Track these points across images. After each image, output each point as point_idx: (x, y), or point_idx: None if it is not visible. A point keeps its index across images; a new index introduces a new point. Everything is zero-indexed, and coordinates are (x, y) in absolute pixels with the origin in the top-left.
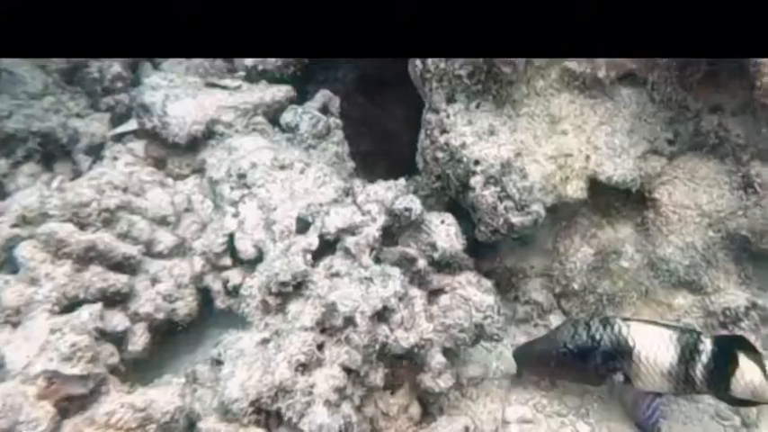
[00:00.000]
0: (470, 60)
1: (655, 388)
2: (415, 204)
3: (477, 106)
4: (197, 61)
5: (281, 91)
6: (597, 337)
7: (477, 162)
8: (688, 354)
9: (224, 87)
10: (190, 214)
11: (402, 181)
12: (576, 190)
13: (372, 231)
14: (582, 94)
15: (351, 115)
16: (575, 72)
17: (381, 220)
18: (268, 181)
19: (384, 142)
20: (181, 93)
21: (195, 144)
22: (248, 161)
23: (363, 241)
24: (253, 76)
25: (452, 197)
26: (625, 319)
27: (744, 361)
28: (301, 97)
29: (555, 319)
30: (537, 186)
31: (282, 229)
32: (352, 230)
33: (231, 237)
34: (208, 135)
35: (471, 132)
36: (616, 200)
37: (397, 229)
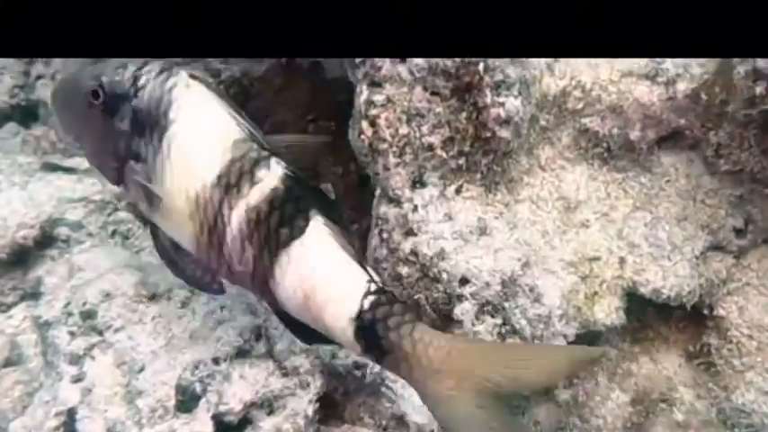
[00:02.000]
0: (446, 120)
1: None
2: None
3: (458, 191)
4: (37, 131)
5: None
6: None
7: (464, 281)
8: None
9: (70, 170)
10: (12, 371)
11: None
12: (608, 312)
13: (303, 405)
14: (606, 166)
15: None
16: (595, 133)
17: (317, 384)
18: (131, 322)
19: None
20: (3, 181)
21: (24, 257)
22: (99, 289)
23: (288, 425)
24: None
25: None
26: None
27: None
28: None
29: None
30: (556, 312)
31: (153, 405)
32: (268, 405)
33: (71, 415)
34: (43, 243)
35: (452, 233)
36: (660, 318)
37: (342, 396)
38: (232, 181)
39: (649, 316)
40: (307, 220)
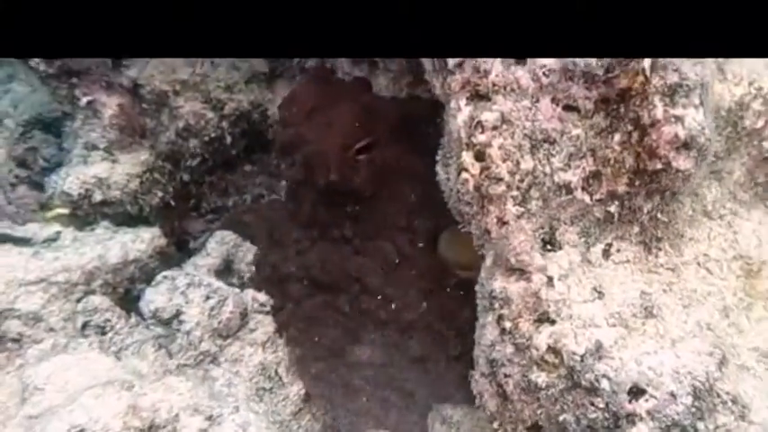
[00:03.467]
0: (589, 147)
1: None
2: None
3: (607, 253)
4: None
5: (140, 239)
6: None
7: (637, 391)
8: None
9: (26, 242)
10: None
11: None
12: None
13: None
14: None
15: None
16: None
17: None
18: None
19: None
20: None
21: None
22: (68, 425)
23: None
24: (83, 216)
25: None
26: None
27: None
28: (180, 248)
29: None
30: None
31: None
32: None
33: None
34: None
35: (608, 317)
36: None
37: None
38: None
39: None
40: None
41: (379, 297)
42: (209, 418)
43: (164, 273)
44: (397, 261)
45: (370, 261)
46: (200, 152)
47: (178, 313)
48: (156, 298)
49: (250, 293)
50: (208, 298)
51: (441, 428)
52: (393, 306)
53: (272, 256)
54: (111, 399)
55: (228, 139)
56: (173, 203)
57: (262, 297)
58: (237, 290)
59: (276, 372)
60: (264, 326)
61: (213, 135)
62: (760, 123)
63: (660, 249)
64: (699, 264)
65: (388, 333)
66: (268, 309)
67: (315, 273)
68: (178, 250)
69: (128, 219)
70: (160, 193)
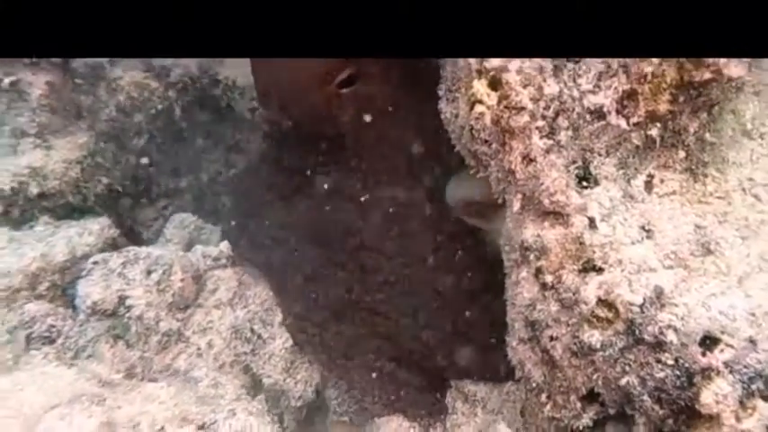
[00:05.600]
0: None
1: None
2: None
3: (649, 185)
4: None
5: (88, 231)
6: None
7: (710, 341)
8: None
9: None
10: None
11: None
12: None
13: None
14: None
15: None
16: None
17: None
18: None
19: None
20: None
21: None
22: None
23: None
24: (19, 213)
25: None
26: None
27: None
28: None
29: None
30: None
31: None
32: None
33: None
34: None
35: (663, 258)
36: None
37: None
38: None
39: None
40: None
41: (379, 252)
42: (202, 427)
43: (93, 258)
44: (397, 212)
45: (367, 213)
46: (146, 128)
47: (122, 299)
48: (91, 290)
49: (199, 250)
50: (150, 272)
51: (464, 407)
52: (395, 262)
53: (250, 226)
54: (79, 418)
55: (177, 111)
56: (120, 189)
57: (213, 251)
58: (182, 252)
59: (252, 330)
60: (226, 282)
61: (160, 107)
62: None
63: (707, 176)
64: (744, 190)
65: (393, 294)
66: (225, 261)
67: (304, 230)
68: (131, 243)
69: (71, 211)
70: (105, 180)
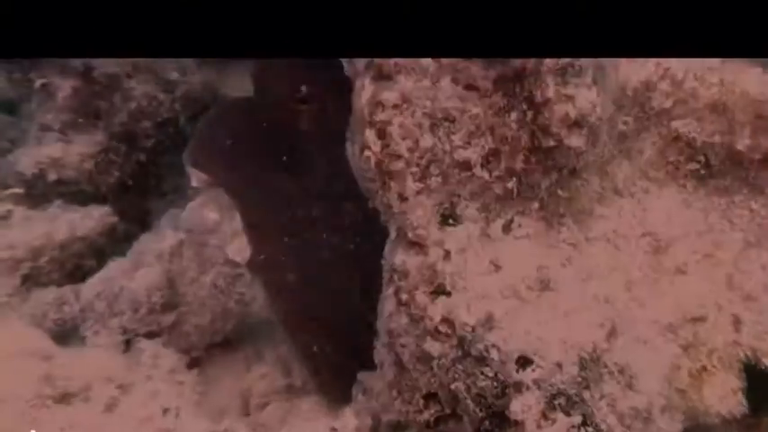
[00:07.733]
0: (488, 125)
1: None
2: None
3: (507, 228)
4: None
5: (89, 216)
6: None
7: (524, 361)
8: None
9: None
10: None
11: None
12: (722, 395)
13: None
14: (705, 188)
15: None
16: (690, 141)
17: None
18: None
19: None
20: None
21: None
22: None
23: None
24: (38, 195)
25: None
26: None
27: None
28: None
29: None
30: (657, 402)
31: None
32: None
33: None
34: None
35: (502, 290)
36: None
37: None
38: None
39: None
40: None
41: None
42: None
43: None
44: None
45: None
46: (153, 133)
47: None
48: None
49: None
50: None
51: (362, 399)
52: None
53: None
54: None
55: (182, 120)
56: (131, 183)
57: None
58: None
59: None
60: None
61: (166, 116)
62: (668, 104)
63: (563, 225)
64: (607, 239)
65: None
66: None
67: None
68: (141, 229)
69: (85, 198)
70: (117, 173)
